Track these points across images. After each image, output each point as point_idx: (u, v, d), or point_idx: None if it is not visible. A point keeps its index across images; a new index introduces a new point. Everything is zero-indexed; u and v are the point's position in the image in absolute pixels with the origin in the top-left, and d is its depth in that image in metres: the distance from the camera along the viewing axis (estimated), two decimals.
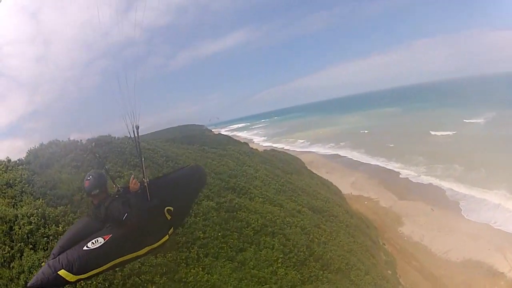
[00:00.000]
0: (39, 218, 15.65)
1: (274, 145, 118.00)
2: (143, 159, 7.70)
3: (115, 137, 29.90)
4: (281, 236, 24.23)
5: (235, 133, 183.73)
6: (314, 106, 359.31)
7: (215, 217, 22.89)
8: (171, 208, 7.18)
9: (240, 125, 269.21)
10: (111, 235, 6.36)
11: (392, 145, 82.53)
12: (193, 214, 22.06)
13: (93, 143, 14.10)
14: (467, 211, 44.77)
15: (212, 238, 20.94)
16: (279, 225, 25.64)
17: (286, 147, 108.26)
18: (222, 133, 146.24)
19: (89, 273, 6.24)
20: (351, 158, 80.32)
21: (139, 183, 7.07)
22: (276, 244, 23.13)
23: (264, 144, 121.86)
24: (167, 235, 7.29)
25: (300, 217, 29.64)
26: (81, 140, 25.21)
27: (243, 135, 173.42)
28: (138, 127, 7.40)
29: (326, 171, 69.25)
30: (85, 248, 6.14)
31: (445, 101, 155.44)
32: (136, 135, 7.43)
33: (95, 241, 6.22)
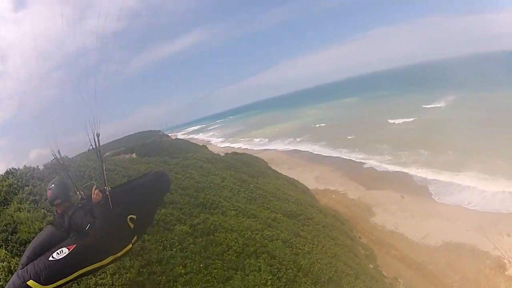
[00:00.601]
0: (6, 274, 13.10)
1: (232, 145, 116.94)
2: (104, 167, 7.58)
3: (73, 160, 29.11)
4: (265, 255, 22.01)
5: (192, 136, 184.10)
6: (271, 102, 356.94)
7: (192, 245, 20.41)
8: (134, 217, 7.06)
9: (196, 128, 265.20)
10: (75, 245, 6.26)
11: (352, 136, 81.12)
12: (168, 246, 19.65)
13: (58, 150, 10.50)
14: (438, 195, 44.13)
15: (194, 272, 18.59)
16: (259, 241, 23.36)
17: (244, 147, 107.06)
18: (179, 137, 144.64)
19: (56, 283, 6.12)
20: (312, 152, 78.62)
21: (101, 194, 6.92)
22: (262, 265, 20.92)
23: (222, 145, 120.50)
24: (131, 244, 7.19)
25: (278, 227, 27.45)
26: (37, 167, 23.70)
27: (200, 137, 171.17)
28: (99, 134, 7.37)
29: (288, 167, 67.79)
30: (50, 258, 6.07)
31: (404, 87, 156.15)
32: (97, 142, 7.36)
33: (60, 251, 6.12)
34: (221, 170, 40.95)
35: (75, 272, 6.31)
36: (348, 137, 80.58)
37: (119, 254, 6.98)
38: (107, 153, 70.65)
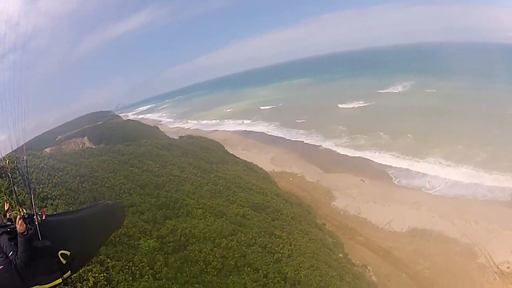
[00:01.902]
0: None
1: (183, 125, 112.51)
2: (32, 196, 6.20)
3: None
4: (248, 268, 18.69)
5: (142, 116, 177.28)
6: (221, 82, 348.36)
7: (166, 269, 16.56)
8: (67, 253, 5.88)
9: (146, 108, 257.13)
10: (2, 266, 5.49)
11: (305, 119, 77.40)
12: (138, 272, 15.85)
13: (7, 161, 8.00)
14: (399, 180, 43.16)
15: None
16: (237, 249, 19.91)
17: (195, 127, 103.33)
18: (130, 117, 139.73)
19: None
20: (266, 133, 75.34)
21: (24, 225, 5.65)
22: (247, 282, 17.62)
23: (173, 126, 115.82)
24: (61, 279, 5.86)
25: (250, 226, 24.11)
26: None
27: (150, 117, 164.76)
28: (27, 160, 6.82)
29: (242, 149, 65.14)
30: None
31: (359, 71, 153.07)
32: (25, 170, 6.59)
33: None
34: (179, 158, 37.17)
35: None
36: (301, 120, 77.12)
37: (46, 287, 5.82)
38: (59, 137, 68.99)
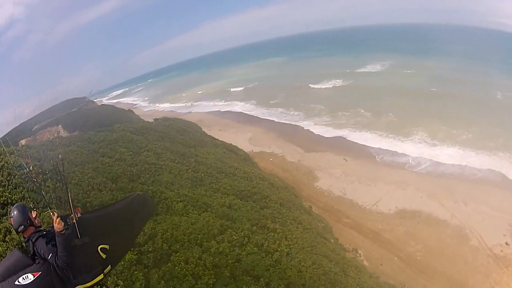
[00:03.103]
0: None
1: (157, 107, 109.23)
2: (69, 194, 6.10)
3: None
4: (246, 276, 15.24)
5: (117, 100, 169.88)
6: (193, 63, 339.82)
7: None
8: (106, 247, 6.04)
9: (119, 92, 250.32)
10: (40, 272, 5.42)
11: (282, 98, 74.91)
12: None
13: (31, 166, 7.52)
14: (384, 158, 41.71)
15: None
16: (231, 254, 16.31)
17: (170, 108, 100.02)
18: (104, 102, 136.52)
19: None
20: (242, 112, 72.48)
21: (63, 223, 5.61)
22: None
23: (148, 109, 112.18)
24: (102, 274, 6.00)
25: (238, 219, 20.82)
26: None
27: (124, 101, 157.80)
28: (62, 158, 6.76)
29: (218, 129, 62.24)
30: (16, 282, 5.32)
31: (336, 49, 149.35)
32: (61, 168, 6.43)
33: (25, 277, 5.35)
34: (154, 143, 33.53)
35: None
36: (278, 99, 74.51)
37: (88, 285, 5.72)
38: (35, 127, 66.54)
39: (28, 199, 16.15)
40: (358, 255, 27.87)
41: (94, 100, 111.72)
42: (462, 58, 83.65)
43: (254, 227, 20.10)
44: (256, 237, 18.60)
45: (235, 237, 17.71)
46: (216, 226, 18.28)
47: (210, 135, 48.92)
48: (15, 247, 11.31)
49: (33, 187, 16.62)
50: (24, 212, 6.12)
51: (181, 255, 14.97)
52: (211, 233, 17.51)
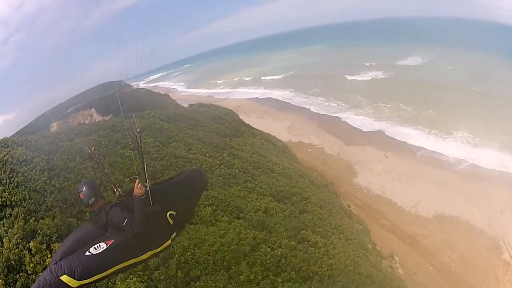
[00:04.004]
0: None
1: (196, 91, 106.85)
2: (145, 164, 6.75)
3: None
4: None
5: (154, 84, 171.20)
6: (234, 48, 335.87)
7: None
8: (174, 213, 6.51)
9: (157, 76, 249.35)
10: (113, 240, 5.75)
11: (321, 86, 71.10)
12: None
13: (93, 148, 7.37)
14: (425, 156, 38.74)
15: None
16: (263, 284, 13.09)
17: (208, 93, 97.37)
18: (141, 86, 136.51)
19: (91, 278, 5.60)
20: (281, 100, 68.91)
21: (143, 188, 6.18)
22: None
23: (185, 93, 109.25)
24: (170, 240, 6.47)
25: (275, 230, 17.63)
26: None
27: (161, 85, 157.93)
28: (140, 131, 6.95)
29: (256, 116, 59.71)
30: (87, 253, 5.57)
31: (374, 39, 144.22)
32: (139, 140, 6.82)
33: (97, 246, 5.65)
34: (186, 131, 30.69)
35: (112, 268, 5.71)
36: (318, 88, 70.37)
37: (158, 250, 6.24)
38: (70, 109, 66.17)
39: (30, 200, 14.04)
40: (394, 261, 26.15)
41: (131, 84, 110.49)
42: (507, 56, 77.16)
43: (293, 242, 16.90)
44: (293, 258, 15.22)
45: (269, 259, 14.46)
46: (249, 240, 15.18)
47: (248, 124, 45.65)
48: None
49: (36, 187, 15.37)
50: (94, 186, 6.39)
51: (202, 284, 11.73)
52: (242, 250, 14.40)
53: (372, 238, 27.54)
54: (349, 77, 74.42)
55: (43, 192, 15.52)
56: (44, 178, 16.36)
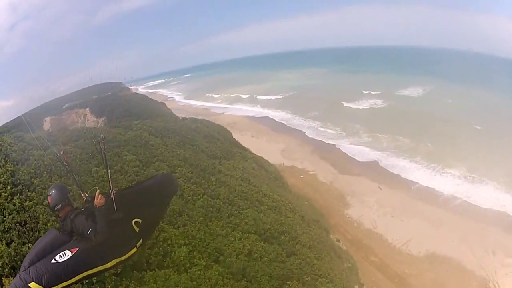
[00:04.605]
0: None
1: (193, 103, 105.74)
2: (109, 171, 6.82)
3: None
4: None
5: (152, 90, 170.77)
6: (237, 62, 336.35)
7: None
8: (139, 220, 6.34)
9: (156, 82, 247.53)
10: (78, 248, 5.72)
11: (320, 110, 69.46)
12: None
13: (62, 151, 7.15)
14: (419, 190, 37.07)
15: None
16: None
17: (205, 105, 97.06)
18: (140, 90, 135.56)
19: (58, 285, 5.55)
20: (278, 121, 67.01)
21: (104, 199, 6.10)
22: None
23: (182, 103, 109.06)
24: (135, 248, 6.36)
25: (256, 279, 15.24)
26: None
27: (160, 92, 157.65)
28: (104, 138, 6.79)
29: (251, 135, 58.16)
30: (53, 261, 5.55)
31: (378, 66, 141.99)
32: (102, 147, 6.66)
33: (62, 254, 5.61)
34: (173, 149, 27.99)
35: (77, 275, 5.68)
36: (316, 112, 68.85)
37: (123, 258, 6.16)
38: (66, 105, 62.96)
39: None
40: None
41: (130, 87, 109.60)
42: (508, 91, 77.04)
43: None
44: None
45: None
46: None
47: (241, 145, 43.23)
48: None
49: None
50: (63, 191, 6.40)
51: None
52: None
53: (360, 277, 25.73)
54: (347, 104, 72.56)
55: (2, 210, 13.51)
56: (6, 194, 14.27)
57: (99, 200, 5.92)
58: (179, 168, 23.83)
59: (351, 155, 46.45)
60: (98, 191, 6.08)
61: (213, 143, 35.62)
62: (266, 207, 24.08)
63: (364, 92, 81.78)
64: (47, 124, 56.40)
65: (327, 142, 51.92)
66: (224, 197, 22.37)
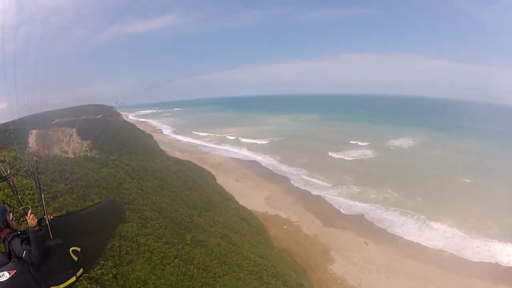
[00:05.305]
0: None
1: (181, 138, 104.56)
2: (43, 196, 6.21)
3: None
4: None
5: (143, 119, 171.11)
6: (230, 102, 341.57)
7: None
8: (78, 249, 5.86)
9: (148, 112, 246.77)
10: (15, 270, 5.47)
11: (308, 158, 68.55)
12: None
13: (8, 170, 6.59)
14: (407, 246, 36.19)
15: None
16: None
17: (193, 142, 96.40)
18: (130, 117, 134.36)
19: None
20: (264, 166, 65.49)
21: (36, 219, 5.66)
22: None
23: (171, 137, 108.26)
24: (74, 277, 5.81)
25: None
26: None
27: (150, 122, 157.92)
28: (37, 161, 6.60)
29: (236, 179, 56.67)
30: None
31: (372, 117, 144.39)
32: (35, 170, 6.32)
33: (1, 274, 5.40)
34: (148, 195, 24.75)
35: None
36: (304, 159, 67.62)
37: (61, 287, 5.64)
38: (56, 120, 63.55)
39: None
40: None
41: (121, 113, 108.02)
42: (501, 141, 78.88)
43: None
44: None
45: None
46: None
47: (225, 191, 42.37)
48: None
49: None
50: (2, 213, 5.96)
51: None
52: None
53: None
54: (336, 155, 71.22)
55: (15, 195, 11.89)
56: (16, 184, 12.70)
57: (30, 220, 5.54)
58: (151, 222, 20.49)
59: (337, 207, 44.98)
60: (30, 210, 5.69)
61: (194, 190, 32.97)
62: (246, 272, 21.32)
63: (355, 141, 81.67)
64: (32, 137, 55.25)
65: (312, 193, 50.20)
66: (199, 261, 19.22)
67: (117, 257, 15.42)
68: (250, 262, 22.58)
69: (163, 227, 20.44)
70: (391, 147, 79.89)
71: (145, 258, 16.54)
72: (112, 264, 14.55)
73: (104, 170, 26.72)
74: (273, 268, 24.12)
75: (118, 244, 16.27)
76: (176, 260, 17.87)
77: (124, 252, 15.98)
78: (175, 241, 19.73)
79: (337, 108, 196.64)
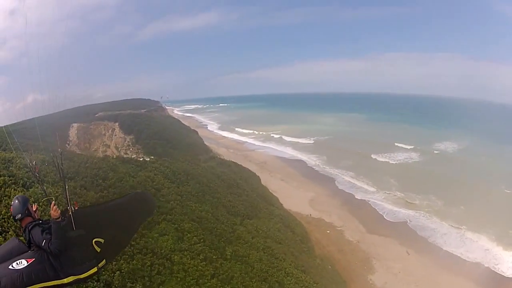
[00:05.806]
0: None
1: (226, 135, 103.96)
2: (66, 187, 6.28)
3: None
4: None
5: (188, 114, 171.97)
6: (275, 99, 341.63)
7: None
8: (101, 240, 6.00)
9: (193, 107, 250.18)
10: (34, 259, 5.55)
11: (353, 160, 66.98)
12: None
13: (34, 162, 6.86)
14: (447, 258, 34.15)
15: None
16: None
17: (238, 139, 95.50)
18: (175, 112, 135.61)
19: None
20: (311, 167, 63.83)
21: (59, 211, 5.85)
22: None
23: (216, 133, 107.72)
24: (96, 268, 5.97)
25: None
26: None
27: (195, 117, 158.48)
28: (62, 152, 6.71)
29: (281, 178, 55.68)
30: (10, 267, 5.44)
31: (416, 118, 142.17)
32: (60, 162, 6.43)
33: (19, 262, 5.48)
34: (187, 202, 23.38)
35: (32, 285, 5.42)
36: (350, 161, 66.20)
37: (81, 277, 5.80)
38: (99, 113, 65.17)
39: None
40: None
41: (166, 107, 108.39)
42: None
43: None
44: None
45: None
46: None
47: (269, 194, 41.69)
48: None
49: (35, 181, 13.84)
50: (24, 202, 6.11)
51: None
52: None
53: None
54: (380, 157, 69.29)
55: (41, 186, 11.98)
56: (41, 175, 12.97)
57: (53, 212, 5.67)
58: (188, 235, 18.86)
59: (381, 213, 43.52)
60: (53, 202, 5.81)
61: (238, 195, 31.68)
62: None
63: (401, 144, 79.25)
64: (73, 130, 55.89)
65: (357, 197, 48.88)
66: (238, 281, 17.38)
67: (147, 278, 14.24)
68: (292, 279, 21.11)
69: (202, 240, 19.07)
70: (435, 151, 76.94)
71: (179, 279, 15.25)
72: (141, 286, 13.48)
73: (142, 174, 25.92)
74: (315, 285, 22.97)
75: (150, 262, 15.08)
76: (214, 280, 16.39)
77: (155, 272, 14.84)
78: (214, 257, 18.28)
79: (381, 108, 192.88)
